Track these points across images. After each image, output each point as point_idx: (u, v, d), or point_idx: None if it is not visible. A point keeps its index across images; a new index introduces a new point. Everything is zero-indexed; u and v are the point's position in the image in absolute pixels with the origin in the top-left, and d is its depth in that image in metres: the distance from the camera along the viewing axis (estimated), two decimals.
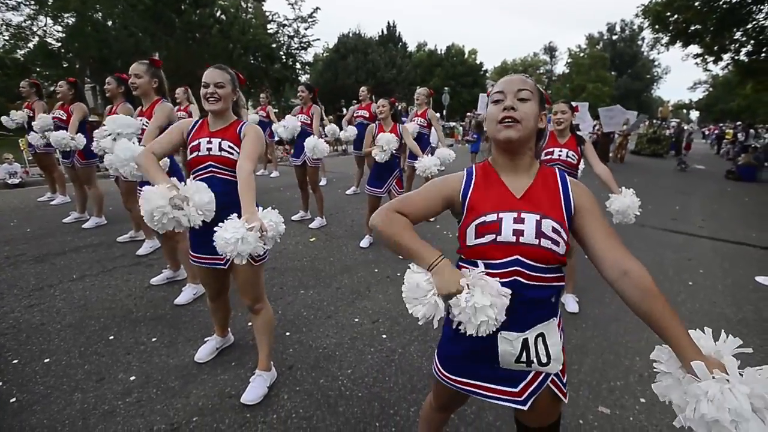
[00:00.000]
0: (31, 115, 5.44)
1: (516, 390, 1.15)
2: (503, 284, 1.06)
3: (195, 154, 1.98)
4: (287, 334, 2.73)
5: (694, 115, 60.34)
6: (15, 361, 2.34)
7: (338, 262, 4.04)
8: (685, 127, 18.01)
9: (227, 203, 1.86)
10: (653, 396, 2.23)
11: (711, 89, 42.59)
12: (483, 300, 1.01)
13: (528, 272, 1.08)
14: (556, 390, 1.17)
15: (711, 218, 6.52)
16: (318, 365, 2.41)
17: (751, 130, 15.76)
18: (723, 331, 0.99)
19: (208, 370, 2.32)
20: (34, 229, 4.66)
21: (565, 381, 1.19)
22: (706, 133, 30.22)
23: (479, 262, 1.12)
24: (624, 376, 2.41)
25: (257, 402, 2.05)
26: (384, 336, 2.75)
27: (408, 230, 1.17)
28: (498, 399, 1.18)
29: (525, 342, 1.11)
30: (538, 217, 1.08)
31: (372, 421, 1.99)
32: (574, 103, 3.42)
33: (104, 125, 3.19)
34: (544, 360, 1.12)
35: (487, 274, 1.08)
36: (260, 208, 1.77)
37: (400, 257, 3.93)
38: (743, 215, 6.88)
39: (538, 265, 1.08)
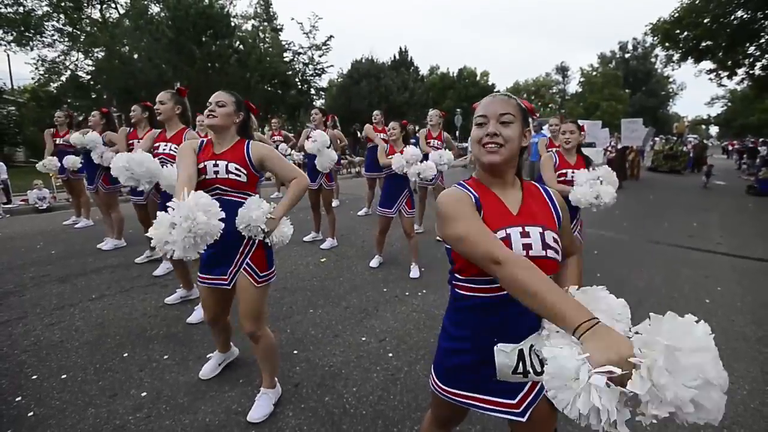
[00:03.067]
0: (62, 143, 5.76)
1: (514, 402, 1.17)
2: (503, 298, 1.10)
3: (202, 177, 1.96)
4: (295, 352, 2.77)
5: (714, 130, 59.22)
6: (34, 377, 2.44)
7: (347, 281, 4.09)
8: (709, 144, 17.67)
9: (234, 227, 1.93)
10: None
11: (729, 104, 41.91)
12: (665, 380, 0.70)
13: None
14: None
15: (730, 235, 6.35)
16: (324, 383, 2.43)
17: None
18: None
19: (216, 387, 2.37)
20: (59, 251, 4.87)
21: None
22: (730, 148, 29.41)
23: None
24: None
25: (263, 420, 2.08)
26: (390, 355, 2.76)
27: (548, 282, 0.96)
28: (496, 411, 1.19)
29: (521, 353, 1.12)
30: (540, 229, 1.14)
31: None
32: (581, 122, 3.47)
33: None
34: (539, 369, 1.12)
35: (491, 289, 1.13)
36: (286, 218, 2.07)
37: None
38: (765, 231, 6.67)
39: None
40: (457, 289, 1.23)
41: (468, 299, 1.20)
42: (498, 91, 1.25)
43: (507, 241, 1.11)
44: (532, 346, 1.13)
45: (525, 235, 1.12)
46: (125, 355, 2.69)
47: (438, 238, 5.49)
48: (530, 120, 1.25)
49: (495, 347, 1.14)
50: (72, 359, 2.63)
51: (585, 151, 3.42)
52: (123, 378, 2.43)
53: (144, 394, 2.29)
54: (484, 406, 1.20)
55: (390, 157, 4.07)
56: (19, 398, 2.24)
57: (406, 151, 4.01)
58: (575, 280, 1.27)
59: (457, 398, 1.24)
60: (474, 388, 1.21)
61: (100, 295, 3.64)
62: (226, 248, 1.99)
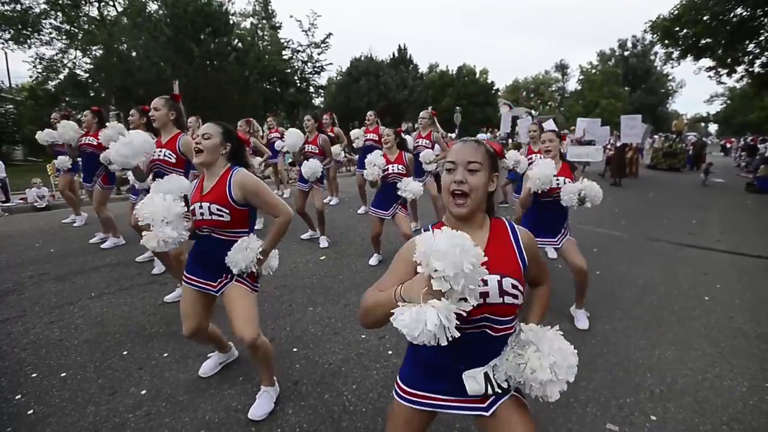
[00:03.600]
0: (61, 143, 5.74)
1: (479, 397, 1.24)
2: (469, 336, 1.15)
3: (194, 218, 2.00)
4: (294, 350, 2.77)
5: (713, 128, 59.25)
6: (34, 375, 2.43)
7: (347, 279, 4.09)
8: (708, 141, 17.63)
9: (216, 260, 2.00)
10: (665, 414, 2.19)
11: (729, 102, 41.91)
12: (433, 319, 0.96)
13: (495, 326, 1.20)
14: (519, 395, 1.27)
15: (730, 232, 6.36)
16: (324, 381, 2.43)
17: None
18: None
19: (216, 385, 2.37)
20: (58, 250, 4.86)
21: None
22: (728, 146, 29.31)
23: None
24: (634, 393, 2.36)
25: (264, 417, 2.08)
26: (390, 352, 2.76)
27: (375, 293, 1.15)
28: (465, 409, 1.25)
29: (487, 376, 1.20)
30: (498, 278, 1.16)
31: None
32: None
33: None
34: (505, 386, 1.22)
35: (460, 328, 1.02)
36: (275, 252, 2.13)
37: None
38: (764, 228, 6.68)
39: (503, 318, 1.20)
40: None
41: None
42: (466, 139, 1.29)
43: None
44: (495, 366, 1.21)
45: (483, 283, 1.06)
46: (125, 353, 2.69)
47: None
48: (499, 163, 1.34)
49: (463, 375, 1.20)
50: (72, 357, 2.63)
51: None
52: (123, 376, 2.43)
53: (144, 392, 2.29)
54: (452, 404, 1.26)
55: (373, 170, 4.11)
56: (19, 396, 2.24)
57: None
58: (537, 317, 1.39)
59: (424, 400, 1.28)
60: (442, 392, 1.26)
61: (100, 293, 3.64)
62: (215, 265, 2.03)
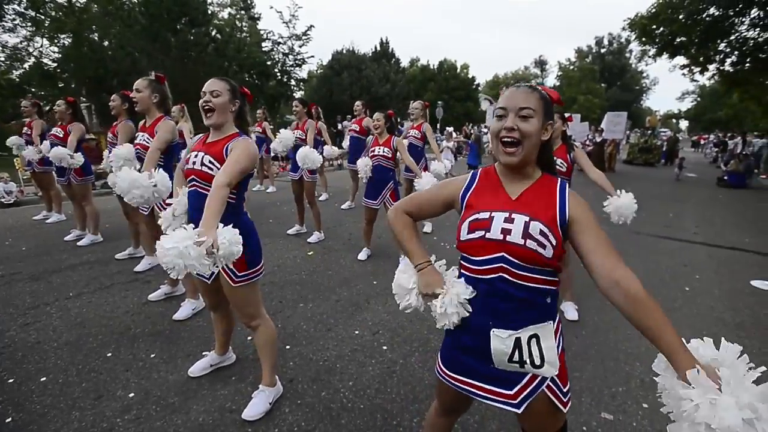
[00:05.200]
0: (29, 133, 5.45)
1: (511, 392, 1.16)
2: (489, 280, 1.14)
3: (187, 166, 1.97)
4: (287, 347, 2.71)
5: (684, 124, 61.38)
6: (11, 381, 2.30)
7: (337, 275, 4.03)
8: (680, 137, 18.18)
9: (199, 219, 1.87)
10: (656, 401, 2.23)
11: (699, 99, 43.45)
12: (451, 308, 1.18)
13: (513, 270, 1.11)
14: (553, 398, 1.16)
15: (705, 224, 6.59)
16: (319, 378, 2.39)
17: (748, 138, 15.95)
18: (723, 338, 0.98)
19: (208, 385, 2.29)
20: (30, 248, 4.63)
21: (566, 390, 1.18)
22: (702, 142, 30.31)
23: (461, 265, 1.25)
24: (625, 382, 2.41)
25: (259, 418, 2.03)
26: (385, 347, 2.74)
27: (408, 229, 1.35)
28: (493, 400, 1.19)
29: (518, 341, 1.13)
30: (527, 218, 1.11)
31: None
32: (566, 114, 3.50)
33: (110, 158, 3.26)
34: (537, 362, 1.13)
35: (475, 269, 1.17)
36: (221, 225, 1.57)
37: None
38: (736, 221, 6.96)
39: (523, 264, 1.11)
40: (459, 267, 1.27)
41: (462, 277, 1.23)
42: (519, 84, 1.19)
43: (488, 222, 1.14)
44: (531, 336, 1.13)
45: (509, 220, 1.12)
46: (109, 354, 2.57)
47: (425, 230, 5.52)
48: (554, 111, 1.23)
49: (491, 332, 1.14)
50: (51, 361, 2.50)
51: None
52: (108, 379, 2.33)
53: (132, 395, 2.19)
54: (481, 393, 1.20)
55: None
56: None
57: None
58: (672, 334, 0.97)
59: (456, 383, 1.25)
60: (473, 374, 1.22)
61: (78, 293, 3.47)
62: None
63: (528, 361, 1.12)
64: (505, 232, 1.11)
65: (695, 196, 9.58)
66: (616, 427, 2.05)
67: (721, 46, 13.62)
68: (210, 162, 1.89)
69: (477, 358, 1.19)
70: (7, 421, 2.00)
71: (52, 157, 4.39)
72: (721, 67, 14.45)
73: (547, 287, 1.14)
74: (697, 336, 1.03)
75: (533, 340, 1.13)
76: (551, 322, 1.16)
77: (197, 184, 1.93)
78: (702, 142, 30.21)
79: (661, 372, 1.00)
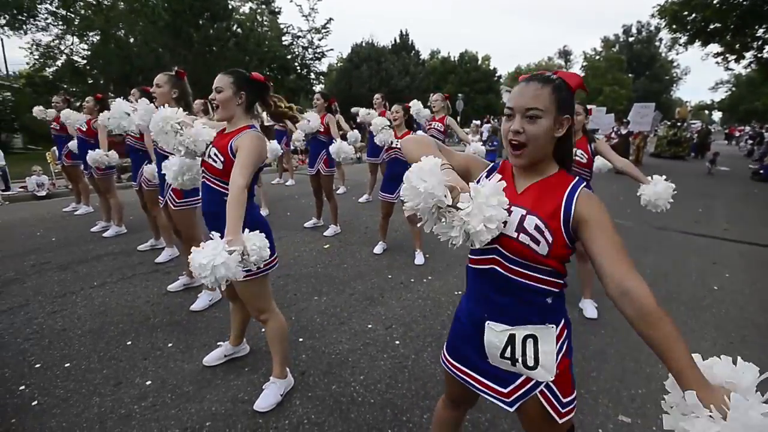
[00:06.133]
0: (58, 128, 5.66)
1: (505, 391, 1.17)
2: (483, 271, 1.14)
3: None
4: (300, 340, 2.74)
5: (717, 116, 58.66)
6: (37, 366, 2.41)
7: (352, 268, 4.04)
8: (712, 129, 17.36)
9: (211, 213, 1.97)
10: None
11: (734, 89, 41.34)
12: (479, 214, 0.96)
13: (505, 263, 1.10)
14: (547, 405, 1.11)
15: (737, 221, 6.29)
16: (330, 371, 2.40)
17: None
18: (740, 358, 0.91)
19: (222, 375, 2.34)
20: (59, 239, 4.82)
21: (566, 401, 1.12)
22: (737, 134, 28.82)
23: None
24: (645, 384, 2.33)
25: (270, 409, 2.05)
26: (397, 342, 2.73)
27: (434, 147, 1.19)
28: (488, 394, 1.20)
29: (511, 337, 1.11)
30: (524, 212, 1.07)
31: (384, 427, 1.97)
32: (589, 106, 3.38)
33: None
34: (530, 363, 1.10)
35: (473, 259, 1.18)
36: (246, 231, 1.59)
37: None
38: None
39: (514, 258, 1.08)
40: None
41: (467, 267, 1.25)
42: (530, 77, 1.11)
43: None
44: (528, 336, 1.10)
45: (507, 213, 1.07)
46: (129, 343, 2.66)
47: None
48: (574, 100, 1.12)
49: (486, 324, 1.14)
50: (75, 347, 2.60)
51: None
52: (127, 366, 2.40)
53: (149, 382, 2.26)
54: (477, 386, 1.22)
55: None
56: (23, 387, 2.21)
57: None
58: (686, 358, 0.91)
59: (455, 371, 1.27)
60: (470, 365, 1.23)
61: (102, 282, 3.60)
62: (209, 218, 2.03)
63: (520, 360, 1.10)
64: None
65: (727, 191, 9.14)
66: (633, 431, 1.98)
67: (759, 32, 12.87)
68: (215, 155, 1.94)
69: (476, 351, 1.20)
70: (33, 404, 2.09)
71: (91, 161, 4.51)
72: (759, 55, 13.68)
73: (546, 287, 1.08)
74: (724, 338, 0.97)
75: (530, 341, 1.10)
76: (554, 326, 1.11)
77: (206, 175, 2.00)
78: (737, 134, 28.74)
79: (670, 389, 0.93)
